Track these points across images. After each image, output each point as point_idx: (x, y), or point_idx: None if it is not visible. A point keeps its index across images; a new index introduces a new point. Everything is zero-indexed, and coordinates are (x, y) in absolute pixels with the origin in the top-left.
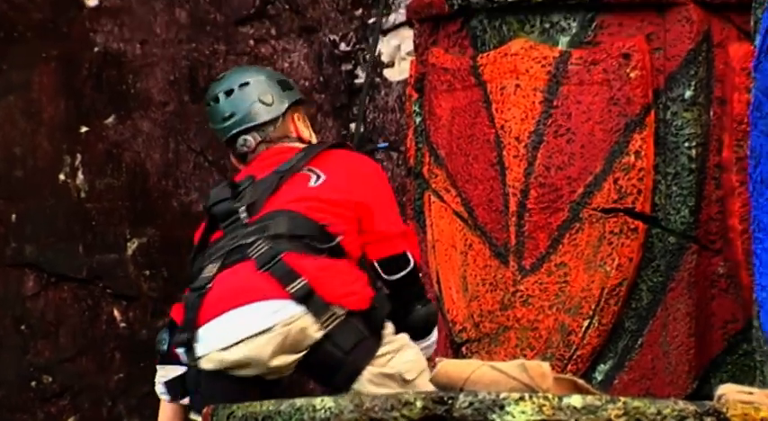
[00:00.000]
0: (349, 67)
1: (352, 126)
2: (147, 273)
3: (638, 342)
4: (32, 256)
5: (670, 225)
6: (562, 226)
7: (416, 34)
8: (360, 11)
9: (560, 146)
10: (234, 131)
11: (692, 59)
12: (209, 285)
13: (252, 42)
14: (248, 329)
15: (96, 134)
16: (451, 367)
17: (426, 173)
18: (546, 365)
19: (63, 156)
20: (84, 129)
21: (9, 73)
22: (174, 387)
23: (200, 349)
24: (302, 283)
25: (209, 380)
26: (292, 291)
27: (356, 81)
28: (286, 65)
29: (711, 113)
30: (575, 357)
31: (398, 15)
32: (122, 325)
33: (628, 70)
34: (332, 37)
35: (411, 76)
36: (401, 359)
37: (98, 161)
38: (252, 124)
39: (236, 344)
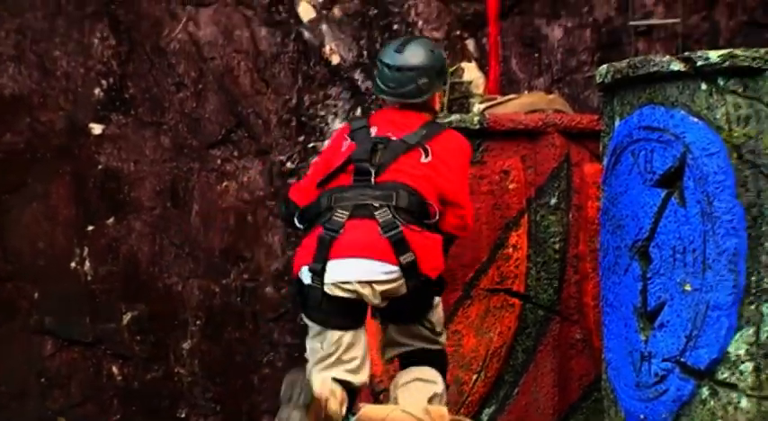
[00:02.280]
0: (293, 180)
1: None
2: (138, 338)
3: (515, 391)
4: (51, 325)
5: (539, 301)
6: (457, 302)
7: None
8: (302, 138)
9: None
10: (392, 99)
11: (556, 175)
12: (342, 230)
13: (219, 161)
14: (367, 276)
15: (100, 232)
16: (372, 411)
17: None
18: (444, 409)
19: (74, 249)
20: (90, 227)
21: (33, 185)
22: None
23: (327, 277)
24: (411, 258)
25: (329, 301)
26: (403, 261)
27: None
28: (245, 179)
29: (570, 216)
30: (466, 403)
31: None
32: (119, 378)
33: (507, 183)
34: (280, 158)
35: None
36: (436, 317)
37: (101, 252)
38: (406, 101)
39: (356, 282)
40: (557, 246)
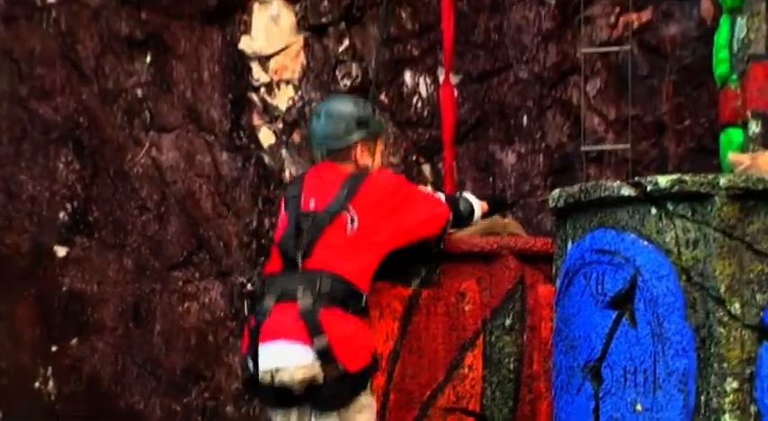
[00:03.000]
0: None
1: None
2: None
3: None
4: None
5: (495, 420)
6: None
7: None
8: (262, 259)
9: (413, 361)
10: (317, 150)
11: (511, 297)
12: (268, 315)
13: (181, 283)
14: (280, 361)
15: (63, 352)
16: None
17: None
18: None
19: (38, 369)
20: (54, 348)
21: None
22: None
23: (260, 364)
24: (324, 341)
25: (261, 389)
26: (317, 343)
27: None
28: (206, 300)
29: (525, 337)
30: None
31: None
32: None
33: (463, 304)
34: (241, 279)
35: None
36: (362, 418)
37: (65, 372)
38: (327, 148)
39: (273, 369)
40: (511, 366)
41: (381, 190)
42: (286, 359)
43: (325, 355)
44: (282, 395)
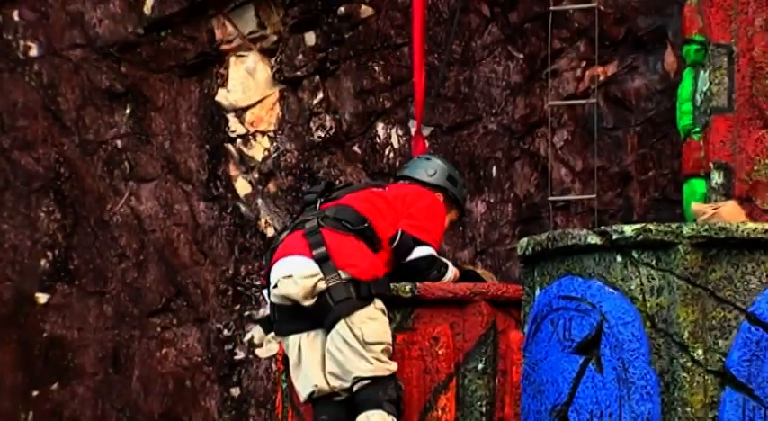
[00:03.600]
0: (230, 347)
1: (233, 390)
2: None
3: None
4: None
5: None
6: None
7: None
8: (238, 306)
9: None
10: None
11: (483, 341)
12: (279, 245)
13: (159, 329)
14: (286, 271)
15: (44, 396)
16: None
17: None
18: None
19: (20, 413)
20: (35, 392)
21: None
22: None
23: (270, 281)
24: (322, 250)
25: (278, 310)
26: (316, 254)
27: (235, 357)
28: (184, 346)
29: (496, 381)
30: None
31: (266, 309)
32: None
33: (437, 348)
34: (217, 325)
35: (279, 353)
36: (370, 325)
37: (45, 416)
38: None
39: (281, 279)
40: (483, 409)
41: (411, 195)
42: (290, 269)
43: (324, 262)
44: (295, 318)
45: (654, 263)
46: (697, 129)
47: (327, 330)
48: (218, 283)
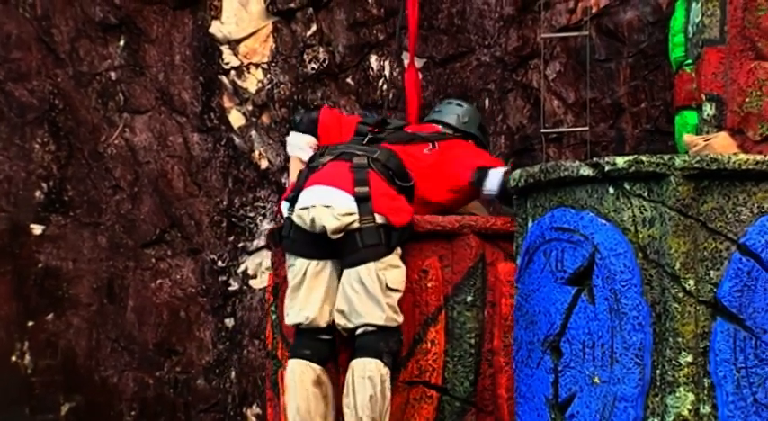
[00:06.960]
0: (224, 278)
1: (227, 321)
2: None
3: None
4: None
5: (456, 394)
6: None
7: (272, 255)
8: (232, 238)
9: None
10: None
11: (472, 274)
12: (320, 167)
13: (153, 260)
14: (323, 200)
15: (39, 327)
16: None
17: (280, 355)
18: None
19: (15, 343)
20: (30, 323)
21: None
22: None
23: (297, 205)
24: (365, 190)
25: (297, 229)
26: (357, 192)
27: (229, 288)
28: (178, 277)
29: (486, 313)
30: None
31: (260, 241)
32: None
33: (426, 281)
34: (212, 256)
35: (269, 285)
36: (393, 272)
37: (40, 346)
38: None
39: (315, 206)
40: (472, 341)
41: (458, 150)
42: (331, 200)
43: (363, 203)
44: (310, 244)
45: (646, 194)
46: (689, 61)
47: (346, 268)
48: (213, 215)
